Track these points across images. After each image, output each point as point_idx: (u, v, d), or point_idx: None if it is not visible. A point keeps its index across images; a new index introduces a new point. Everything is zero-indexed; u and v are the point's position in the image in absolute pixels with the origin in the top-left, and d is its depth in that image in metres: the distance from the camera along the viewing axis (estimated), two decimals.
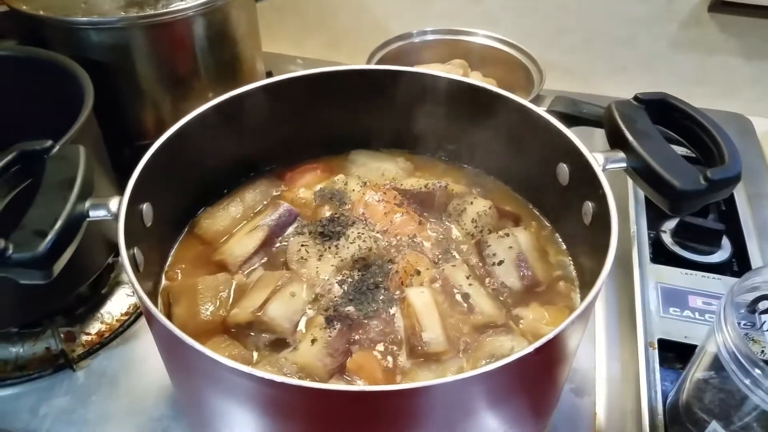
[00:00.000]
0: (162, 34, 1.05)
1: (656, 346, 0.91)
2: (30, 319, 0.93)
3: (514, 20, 1.33)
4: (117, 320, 0.97)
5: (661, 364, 0.89)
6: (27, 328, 0.95)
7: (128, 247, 0.64)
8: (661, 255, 1.05)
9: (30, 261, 0.59)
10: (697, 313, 0.95)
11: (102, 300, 1.00)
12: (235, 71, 1.18)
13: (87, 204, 0.66)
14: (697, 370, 0.78)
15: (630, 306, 0.97)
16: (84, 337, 0.95)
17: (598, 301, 0.99)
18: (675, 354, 0.91)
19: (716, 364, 0.73)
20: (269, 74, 1.28)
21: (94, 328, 0.96)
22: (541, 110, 0.79)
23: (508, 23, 1.33)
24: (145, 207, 0.72)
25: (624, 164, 0.73)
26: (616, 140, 0.74)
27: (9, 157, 0.66)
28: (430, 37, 1.22)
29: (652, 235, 1.08)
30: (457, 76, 0.86)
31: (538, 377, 0.65)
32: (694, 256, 1.04)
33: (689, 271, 1.01)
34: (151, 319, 0.59)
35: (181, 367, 0.65)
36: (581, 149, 0.74)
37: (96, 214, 0.66)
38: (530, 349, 0.54)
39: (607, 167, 0.73)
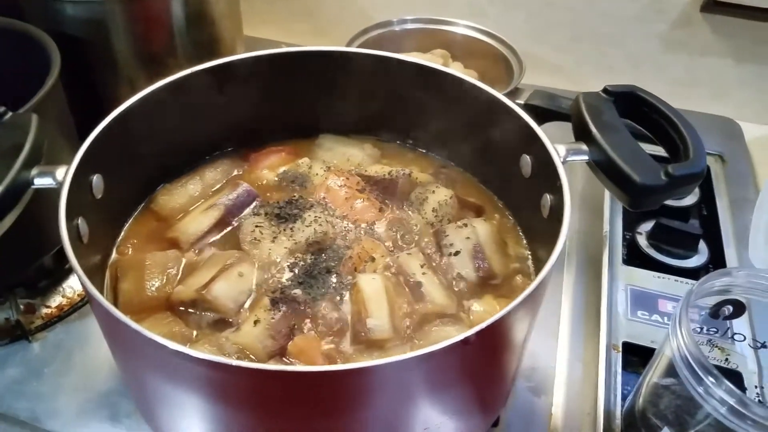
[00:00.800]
0: (138, 10, 1.04)
1: (620, 349, 0.89)
2: None
3: (501, 14, 1.31)
4: (78, 294, 0.96)
5: (624, 368, 0.87)
6: None
7: (71, 217, 0.64)
8: (634, 257, 1.03)
9: None
10: (666, 318, 0.93)
11: (66, 274, 0.99)
12: (213, 52, 1.16)
13: (33, 172, 0.65)
14: (654, 375, 0.77)
15: (594, 307, 0.95)
16: (44, 310, 0.94)
17: (564, 302, 0.98)
18: (639, 358, 0.89)
19: (672, 370, 0.71)
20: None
21: (55, 301, 0.96)
22: (506, 99, 0.78)
23: (495, 17, 1.31)
24: (95, 178, 0.71)
25: (586, 156, 0.71)
26: (581, 132, 0.73)
27: None
28: (410, 26, 1.21)
29: (627, 237, 1.06)
30: (424, 61, 0.85)
31: (479, 365, 0.63)
32: (669, 259, 1.02)
33: (662, 275, 1.00)
34: (88, 295, 0.58)
35: (117, 343, 0.64)
36: (543, 140, 0.73)
37: (41, 182, 0.65)
38: (467, 333, 0.53)
39: (567, 159, 0.71)
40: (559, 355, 0.91)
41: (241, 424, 0.62)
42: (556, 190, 0.69)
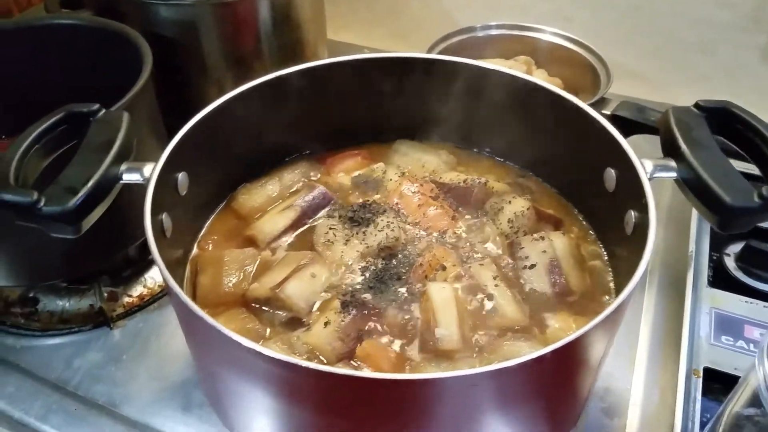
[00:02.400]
0: (228, 12, 1.07)
1: (701, 374, 0.85)
2: (75, 275, 0.97)
3: (586, 19, 1.27)
4: (159, 286, 1.00)
5: (704, 395, 0.83)
6: (75, 284, 0.99)
7: (156, 212, 0.66)
8: (720, 279, 0.97)
9: (59, 215, 0.61)
10: (752, 345, 0.88)
11: (148, 265, 1.03)
12: (297, 55, 1.19)
13: (122, 167, 0.68)
14: (737, 404, 0.72)
15: (678, 330, 0.91)
16: (125, 299, 0.98)
17: (643, 322, 0.94)
18: (722, 385, 0.84)
19: (756, 400, 0.67)
20: None
21: (137, 291, 1.00)
22: (592, 110, 0.75)
23: (580, 22, 1.27)
24: (181, 176, 0.73)
25: (674, 174, 0.68)
26: (669, 148, 0.70)
27: (56, 117, 0.69)
28: (494, 32, 1.19)
29: (714, 258, 1.00)
30: (510, 71, 0.83)
31: (551, 384, 0.61)
32: (758, 284, 0.96)
33: (750, 300, 0.94)
34: (168, 287, 0.61)
35: (193, 335, 0.66)
36: (629, 154, 0.70)
37: (129, 177, 0.68)
38: (542, 351, 0.51)
39: (654, 175, 0.68)
40: (635, 377, 0.87)
41: (306, 423, 0.63)
42: (641, 207, 0.67)
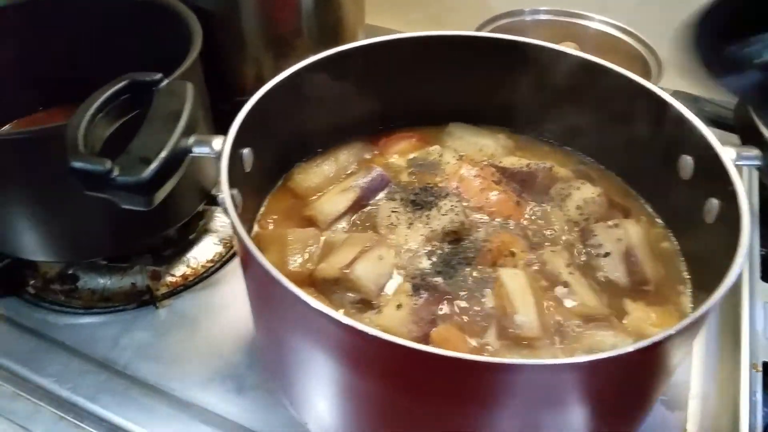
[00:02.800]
0: None
1: (761, 368, 0.84)
2: (118, 253, 0.95)
3: (632, 8, 1.24)
4: (202, 266, 0.98)
5: (763, 389, 0.82)
6: (115, 262, 0.97)
7: (230, 187, 0.64)
8: None
9: (133, 185, 0.59)
10: None
11: (189, 245, 1.01)
12: (337, 36, 1.16)
13: (191, 139, 0.65)
14: None
15: (734, 323, 0.89)
16: (169, 278, 0.96)
17: None
18: None
19: None
20: None
21: (179, 270, 0.97)
22: (669, 96, 0.73)
23: (627, 11, 1.25)
24: (246, 152, 0.71)
25: (758, 162, 0.67)
26: (750, 136, 0.68)
27: (120, 85, 0.67)
28: (542, 16, 1.16)
29: (763, 252, 0.99)
30: (575, 51, 0.81)
31: (636, 379, 0.60)
32: None
33: None
34: (248, 259, 0.58)
35: (271, 310, 0.64)
36: (711, 141, 0.68)
37: (199, 150, 0.65)
38: (647, 342, 0.50)
39: (738, 163, 0.66)
40: (693, 371, 0.86)
41: (374, 399, 0.62)
42: (726, 194, 0.65)
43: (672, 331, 0.52)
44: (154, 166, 0.60)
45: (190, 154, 0.65)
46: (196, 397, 0.81)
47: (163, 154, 0.61)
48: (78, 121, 0.62)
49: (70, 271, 0.97)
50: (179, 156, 0.64)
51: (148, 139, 0.62)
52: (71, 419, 0.80)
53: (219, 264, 0.98)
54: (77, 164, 0.58)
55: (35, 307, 0.92)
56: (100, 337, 0.88)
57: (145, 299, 0.92)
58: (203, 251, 1.00)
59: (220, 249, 1.01)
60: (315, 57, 0.78)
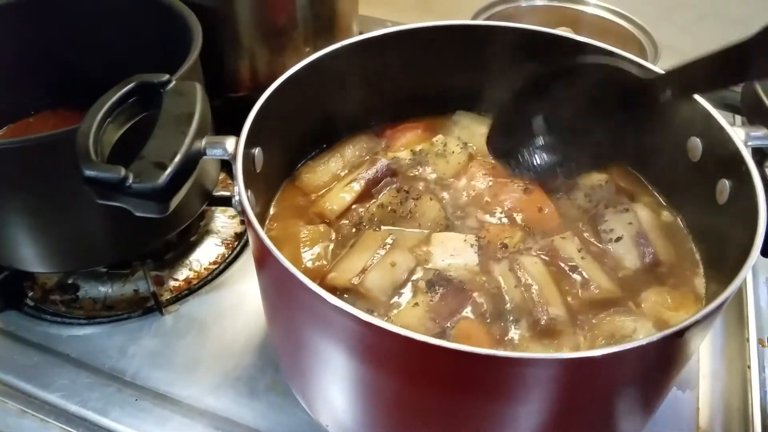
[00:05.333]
0: None
1: (767, 343, 0.85)
2: (119, 260, 0.93)
3: None
4: (205, 269, 0.96)
5: None
6: (116, 269, 0.95)
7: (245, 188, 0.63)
8: None
9: (149, 192, 0.57)
10: None
11: (191, 247, 0.99)
12: (332, 28, 1.15)
13: (204, 142, 0.64)
14: None
15: (737, 299, 0.91)
16: (172, 283, 0.95)
17: None
18: None
19: None
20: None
21: (182, 274, 0.96)
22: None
23: None
24: (257, 152, 0.70)
25: (767, 141, 0.67)
26: (759, 116, 0.69)
27: (128, 87, 0.65)
28: (538, 2, 1.16)
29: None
30: (575, 36, 0.81)
31: (659, 366, 0.60)
32: None
33: None
34: (266, 258, 0.58)
35: (290, 308, 0.63)
36: (720, 122, 0.69)
37: (213, 152, 0.64)
38: (676, 328, 0.50)
39: (748, 144, 0.67)
40: (702, 350, 0.87)
41: (395, 397, 0.62)
42: (739, 175, 0.65)
43: (698, 316, 0.52)
44: (169, 170, 0.58)
45: (204, 157, 0.64)
46: (209, 403, 0.80)
47: (178, 158, 0.59)
48: (88, 127, 0.60)
49: (69, 281, 0.95)
50: (193, 159, 0.62)
51: (161, 143, 0.61)
52: None
53: (223, 266, 0.96)
54: (91, 173, 0.57)
55: (36, 320, 0.90)
56: (105, 347, 0.86)
57: (149, 306, 0.90)
58: (206, 253, 0.98)
59: (222, 250, 0.99)
60: (318, 54, 0.77)
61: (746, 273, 0.55)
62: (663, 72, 0.69)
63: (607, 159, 0.78)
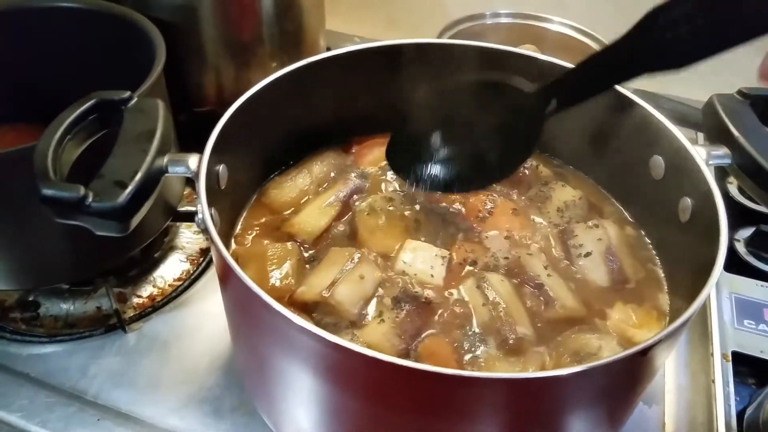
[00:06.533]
0: None
1: (731, 358, 0.86)
2: (82, 277, 0.91)
3: (584, 7, 1.27)
4: (170, 285, 0.94)
5: (734, 378, 0.85)
6: (78, 286, 0.93)
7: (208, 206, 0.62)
8: (734, 264, 1.00)
9: (109, 211, 0.56)
10: None
11: (155, 264, 0.97)
12: (299, 43, 1.14)
13: (165, 159, 0.63)
14: None
15: (701, 314, 0.92)
16: (135, 300, 0.93)
17: None
18: (748, 368, 0.86)
19: None
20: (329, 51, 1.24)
21: (146, 291, 0.94)
22: (637, 97, 0.75)
23: (579, 10, 1.27)
24: (221, 168, 0.69)
25: (728, 160, 0.69)
26: (719, 135, 0.70)
27: (87, 105, 0.64)
28: (503, 20, 1.18)
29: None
30: (540, 55, 0.82)
31: (625, 383, 0.61)
32: None
33: (765, 284, 0.97)
34: (229, 277, 0.57)
35: (253, 328, 0.62)
36: (682, 141, 0.70)
37: (175, 170, 0.63)
38: (642, 346, 0.51)
39: (709, 162, 0.68)
40: (667, 364, 0.88)
41: (360, 416, 0.61)
42: (699, 193, 0.67)
43: (661, 335, 0.53)
44: (129, 189, 0.57)
45: (166, 175, 0.63)
46: (173, 423, 0.78)
47: (138, 176, 0.58)
48: (46, 145, 0.59)
49: (30, 298, 0.92)
50: (154, 177, 0.61)
51: (122, 161, 0.60)
52: None
53: (187, 282, 0.95)
54: (49, 192, 0.55)
55: None
56: (66, 366, 0.84)
57: (112, 323, 0.88)
58: (170, 269, 0.97)
59: (187, 266, 0.97)
60: (282, 71, 0.77)
61: (708, 291, 0.56)
62: (544, 85, 0.71)
63: (499, 174, 0.79)
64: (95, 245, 0.82)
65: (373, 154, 0.88)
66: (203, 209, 0.60)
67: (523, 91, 0.72)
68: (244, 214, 0.79)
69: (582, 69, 0.66)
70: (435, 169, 0.78)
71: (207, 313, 0.90)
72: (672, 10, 0.57)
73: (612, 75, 0.66)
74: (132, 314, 0.90)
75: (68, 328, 0.89)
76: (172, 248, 1.00)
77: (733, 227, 1.04)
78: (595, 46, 1.14)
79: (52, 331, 0.88)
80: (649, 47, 0.59)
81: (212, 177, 0.67)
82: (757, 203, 1.06)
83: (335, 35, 1.40)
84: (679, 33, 0.57)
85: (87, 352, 0.85)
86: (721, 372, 0.83)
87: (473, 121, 0.75)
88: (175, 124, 0.93)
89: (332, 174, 0.84)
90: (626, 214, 0.82)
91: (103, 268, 0.91)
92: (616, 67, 0.64)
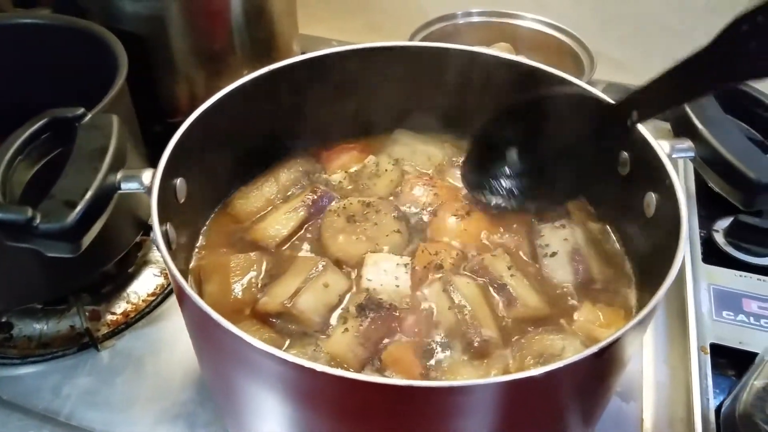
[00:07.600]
0: (199, 7, 1.01)
1: (708, 351, 0.86)
2: (54, 296, 0.90)
3: (565, 5, 1.26)
4: (143, 300, 0.94)
5: (712, 370, 0.84)
6: (51, 305, 0.92)
7: (161, 222, 0.61)
8: (712, 255, 0.99)
9: (58, 232, 0.56)
10: (752, 318, 0.89)
11: (128, 279, 0.97)
12: (271, 50, 1.14)
13: (119, 176, 0.62)
14: (758, 378, 0.73)
15: (680, 307, 0.91)
16: (109, 317, 0.92)
17: None
18: (727, 360, 0.85)
19: None
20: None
21: (120, 307, 0.93)
22: (602, 94, 0.74)
23: (559, 8, 1.27)
24: (179, 182, 0.68)
25: (692, 153, 0.68)
26: (683, 128, 0.70)
27: (39, 124, 0.63)
28: (475, 18, 1.17)
29: (703, 234, 1.02)
30: (507, 55, 0.82)
31: (592, 381, 0.60)
32: (749, 257, 0.98)
33: (744, 273, 0.96)
34: (183, 297, 0.56)
35: (212, 347, 0.62)
36: (645, 135, 0.69)
37: (128, 186, 0.62)
38: (595, 349, 0.50)
39: (673, 156, 0.68)
40: (645, 358, 0.87)
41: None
42: (663, 188, 0.66)
43: (619, 334, 0.52)
44: (79, 209, 0.57)
45: (119, 192, 0.62)
46: None
47: (89, 195, 0.58)
48: None
49: (3, 319, 0.92)
50: (106, 195, 0.61)
51: (72, 180, 0.59)
52: None
53: (161, 297, 0.94)
54: None
55: None
56: (39, 387, 0.83)
57: (85, 342, 0.87)
58: (144, 284, 0.96)
59: (161, 280, 0.97)
60: (245, 78, 0.76)
61: (666, 288, 0.55)
62: (627, 95, 0.69)
63: (574, 193, 0.80)
64: (65, 264, 0.80)
65: (342, 160, 0.87)
66: (155, 226, 0.59)
67: (606, 102, 0.71)
68: (208, 225, 0.78)
69: (665, 78, 0.64)
70: (509, 188, 0.79)
71: (180, 328, 0.87)
72: (755, 17, 0.53)
73: (695, 85, 0.63)
74: (105, 331, 0.90)
75: (42, 348, 0.88)
76: (146, 262, 0.99)
77: (712, 218, 1.03)
78: (570, 42, 1.14)
79: (26, 351, 0.88)
80: (733, 56, 0.56)
81: (169, 191, 0.66)
82: None
83: (312, 40, 1.39)
84: (763, 41, 0.54)
85: (60, 372, 0.85)
86: (698, 365, 0.82)
87: (549, 137, 0.76)
88: (150, 136, 0.93)
89: (301, 181, 0.84)
90: (594, 211, 0.81)
91: (77, 286, 0.90)
92: (700, 77, 0.61)
